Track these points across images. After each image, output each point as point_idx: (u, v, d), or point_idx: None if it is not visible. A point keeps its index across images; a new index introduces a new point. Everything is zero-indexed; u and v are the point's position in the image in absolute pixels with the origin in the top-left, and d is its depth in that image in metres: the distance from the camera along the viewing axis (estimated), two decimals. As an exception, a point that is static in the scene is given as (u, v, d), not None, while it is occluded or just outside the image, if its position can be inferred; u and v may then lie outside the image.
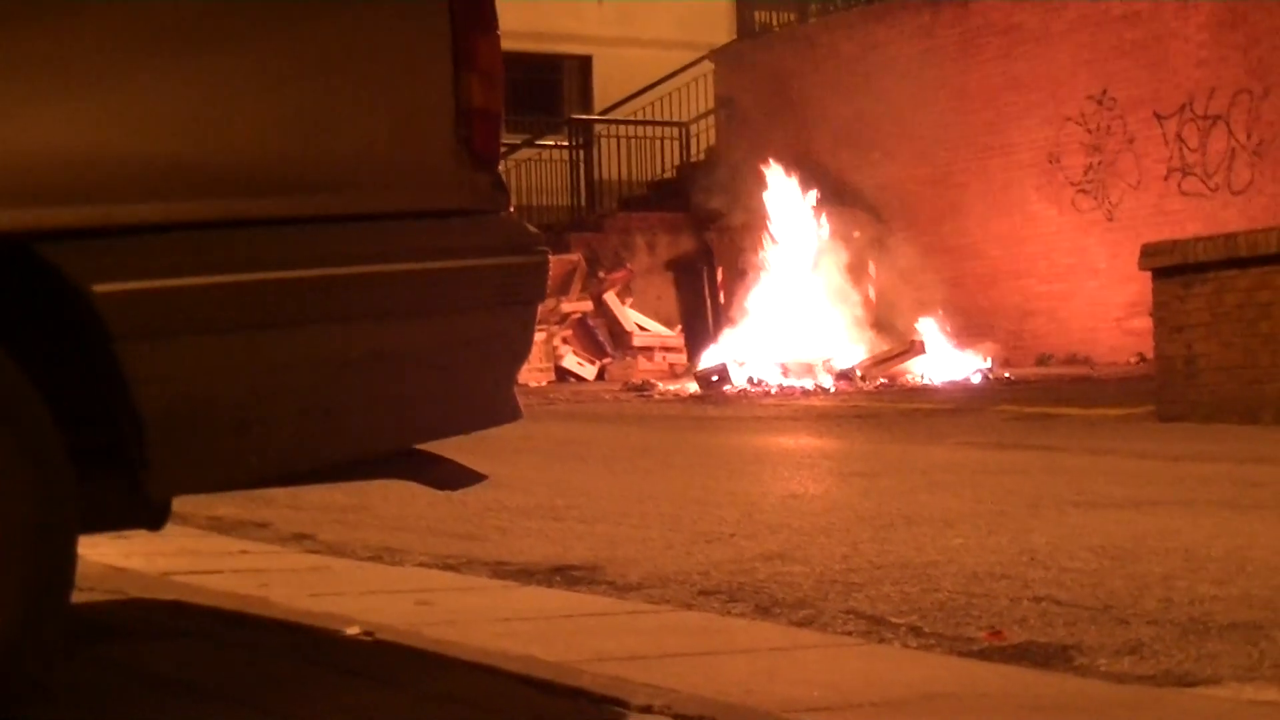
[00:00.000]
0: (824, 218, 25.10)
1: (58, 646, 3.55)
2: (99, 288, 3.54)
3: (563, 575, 6.34)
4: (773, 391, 21.25)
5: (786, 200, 24.69)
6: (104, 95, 3.67)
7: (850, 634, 5.18)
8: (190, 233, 3.73)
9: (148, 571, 6.16)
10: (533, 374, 23.92)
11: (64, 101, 3.61)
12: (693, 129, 30.52)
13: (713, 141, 30.28)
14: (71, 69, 3.64)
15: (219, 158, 3.80)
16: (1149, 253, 14.36)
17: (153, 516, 4.08)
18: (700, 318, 26.91)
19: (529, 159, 29.64)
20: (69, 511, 3.53)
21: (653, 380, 23.17)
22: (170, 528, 4.39)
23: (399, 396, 4.03)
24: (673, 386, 22.24)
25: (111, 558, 6.32)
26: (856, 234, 25.65)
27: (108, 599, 5.52)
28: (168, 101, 3.75)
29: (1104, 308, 23.02)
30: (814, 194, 25.00)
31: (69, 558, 3.54)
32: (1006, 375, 21.66)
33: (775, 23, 30.15)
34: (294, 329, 3.84)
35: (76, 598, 3.65)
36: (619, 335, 26.30)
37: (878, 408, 17.53)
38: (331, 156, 3.98)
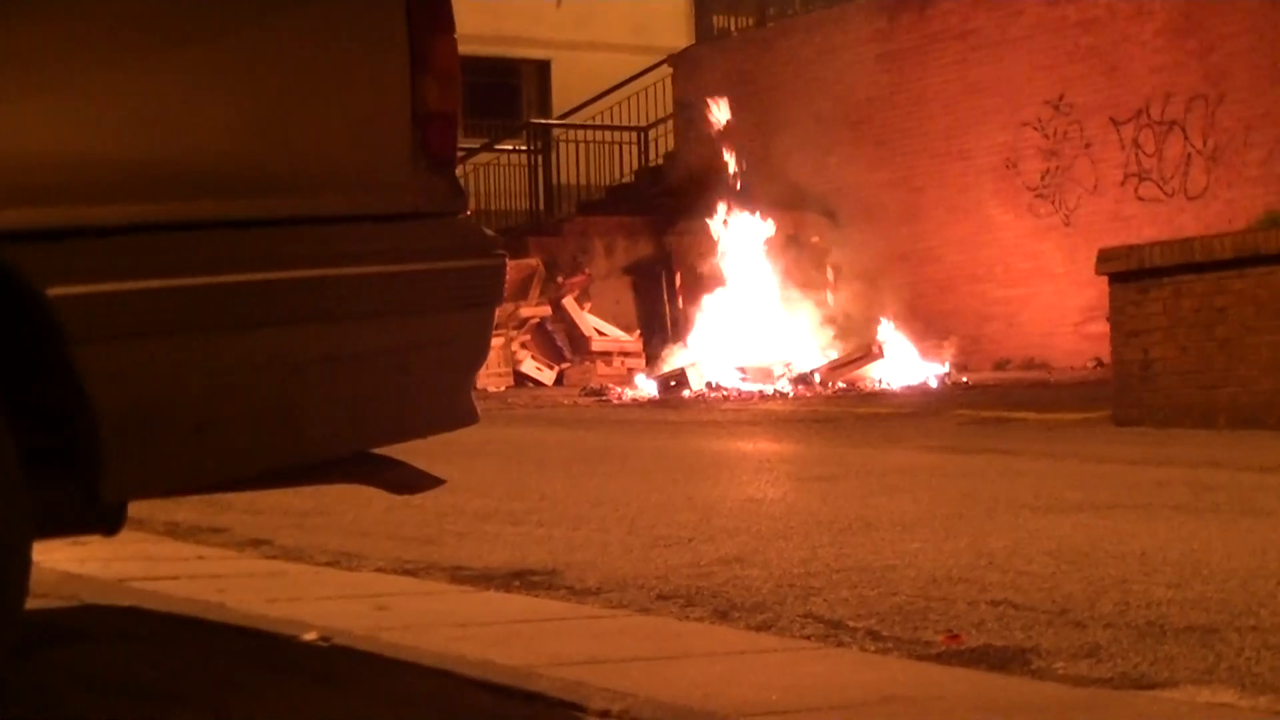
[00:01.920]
0: (782, 222, 25.13)
1: (11, 651, 3.52)
2: (55, 290, 3.53)
3: (521, 580, 6.34)
4: (731, 396, 21.27)
5: (744, 204, 24.72)
6: (59, 97, 3.65)
7: (808, 638, 5.18)
8: (147, 235, 3.71)
9: (103, 577, 6.14)
10: (491, 379, 23.90)
11: (19, 102, 3.60)
12: (651, 133, 30.54)
13: (671, 146, 30.30)
14: (28, 70, 3.62)
15: (176, 160, 3.78)
16: (1105, 258, 14.41)
17: (108, 521, 4.07)
18: (659, 322, 26.93)
19: (487, 163, 29.63)
20: (21, 516, 3.51)
21: (611, 385, 23.17)
22: (127, 533, 4.37)
23: (355, 399, 4.02)
24: (631, 391, 22.24)
25: (67, 563, 6.29)
26: (815, 238, 25.70)
27: (63, 605, 5.49)
28: (123, 103, 3.73)
29: (1061, 312, 23.09)
30: (772, 198, 25.03)
31: (23, 563, 3.52)
32: (964, 380, 21.72)
33: (733, 27, 30.18)
34: (250, 331, 3.82)
35: (31, 604, 3.63)
36: (577, 340, 26.29)
37: (836, 412, 17.55)
38: (288, 159, 3.97)
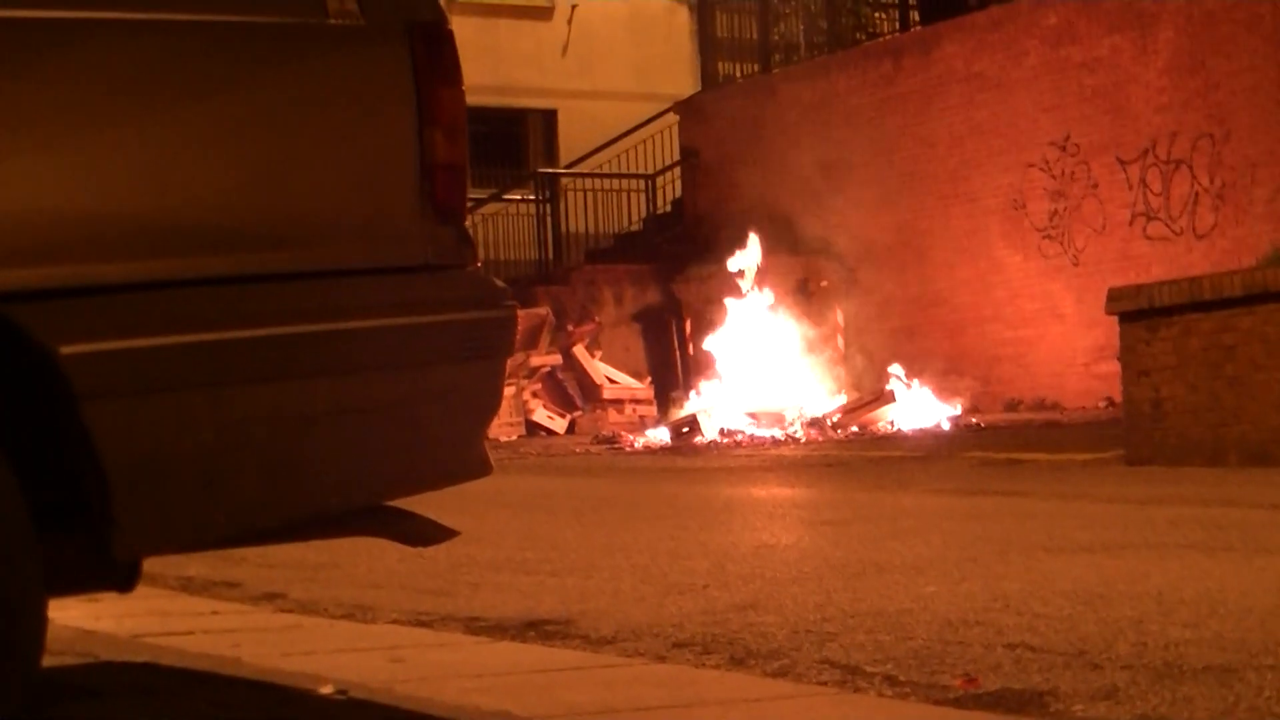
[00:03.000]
0: (790, 267, 25.14)
1: (28, 709, 3.52)
2: (66, 349, 3.54)
3: (536, 629, 6.32)
4: (743, 442, 21.25)
5: (752, 250, 24.74)
6: (66, 155, 3.66)
7: (825, 684, 5.16)
8: (155, 291, 3.72)
9: (118, 633, 6.13)
10: (503, 428, 23.89)
11: (26, 161, 3.61)
12: (658, 181, 30.58)
13: (678, 193, 30.34)
14: (34, 128, 3.63)
15: (184, 216, 3.79)
16: (1114, 297, 14.41)
17: (122, 578, 4.06)
18: (669, 369, 26.92)
19: (495, 213, 29.66)
20: (35, 573, 3.51)
21: (623, 432, 23.16)
22: (140, 589, 4.37)
23: (367, 452, 4.02)
24: (643, 439, 22.22)
25: (81, 620, 6.28)
26: (824, 282, 25.71)
27: (79, 661, 5.49)
28: (129, 160, 3.74)
29: (1071, 352, 23.08)
30: (780, 243, 25.05)
31: (38, 620, 3.52)
32: (975, 421, 21.69)
33: (738, 73, 30.24)
34: (260, 386, 3.83)
35: (46, 661, 3.63)
36: (588, 388, 26.29)
37: (848, 456, 17.53)
38: (295, 212, 3.98)
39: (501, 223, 29.75)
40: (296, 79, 4.01)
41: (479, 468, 4.29)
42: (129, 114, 3.76)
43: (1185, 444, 13.60)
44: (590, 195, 30.04)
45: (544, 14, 35.74)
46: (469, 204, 4.57)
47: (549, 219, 29.84)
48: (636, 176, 30.52)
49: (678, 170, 30.22)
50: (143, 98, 3.78)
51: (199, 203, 3.82)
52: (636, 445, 21.59)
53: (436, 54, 4.19)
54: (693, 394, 23.96)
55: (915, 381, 22.70)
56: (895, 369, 23.09)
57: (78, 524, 3.66)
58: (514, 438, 24.00)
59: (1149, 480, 12.50)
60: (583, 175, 30.35)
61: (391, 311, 4.06)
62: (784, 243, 25.33)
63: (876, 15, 28.92)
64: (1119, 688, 4.86)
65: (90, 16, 3.73)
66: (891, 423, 21.96)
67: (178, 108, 3.82)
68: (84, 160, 3.69)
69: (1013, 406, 23.64)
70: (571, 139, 33.89)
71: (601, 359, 26.85)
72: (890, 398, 22.39)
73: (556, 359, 26.12)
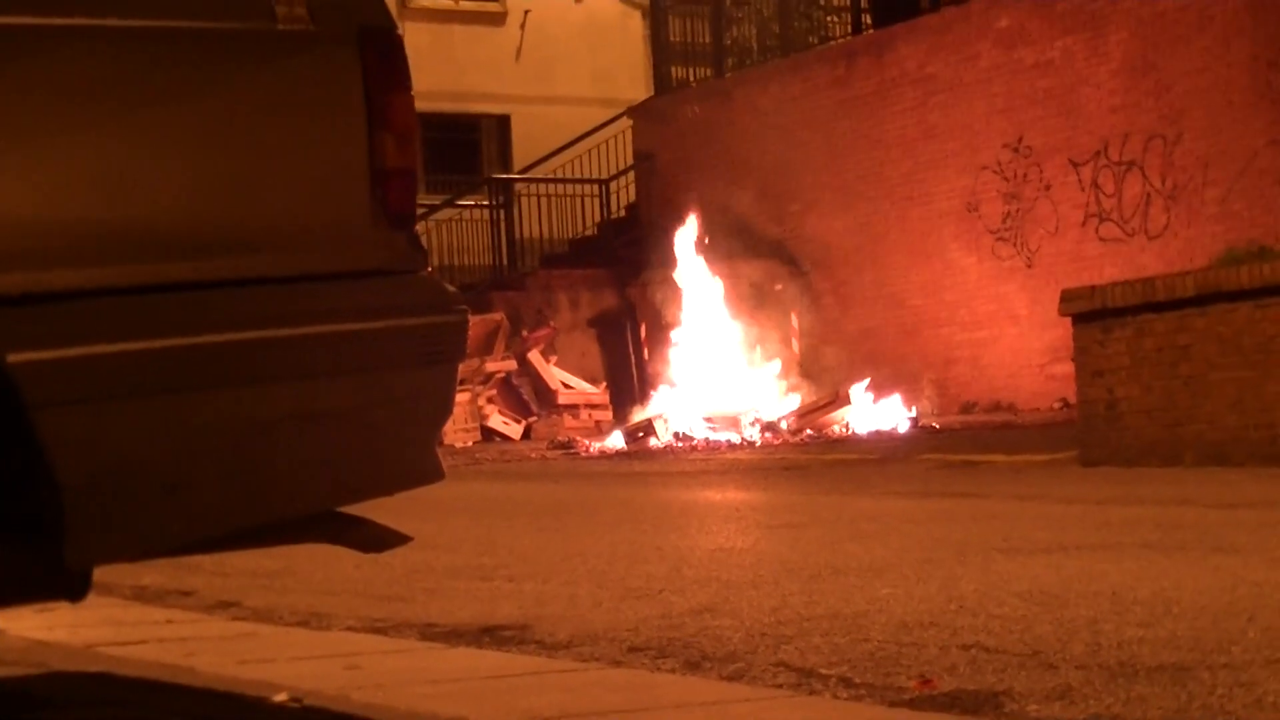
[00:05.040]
0: (745, 270, 25.16)
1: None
2: (14, 357, 3.52)
3: (492, 635, 6.31)
4: (699, 446, 21.25)
5: (707, 254, 24.76)
6: (16, 161, 3.65)
7: (781, 686, 5.16)
8: (107, 298, 3.71)
9: (71, 643, 6.10)
10: (458, 434, 23.86)
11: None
12: (613, 185, 30.59)
13: (633, 198, 30.35)
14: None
15: (136, 223, 3.78)
16: (1068, 298, 14.45)
17: (73, 587, 4.04)
18: (625, 374, 26.93)
19: (449, 219, 29.63)
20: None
21: (579, 437, 23.14)
22: (94, 598, 4.35)
23: (320, 458, 4.01)
24: (599, 443, 22.22)
25: (34, 630, 6.25)
26: (779, 286, 25.74)
27: (31, 672, 5.46)
28: (82, 167, 3.73)
29: (1026, 354, 23.15)
30: (735, 247, 25.07)
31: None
32: (931, 424, 21.74)
33: (692, 78, 30.27)
34: (213, 392, 3.81)
35: (-2, 671, 3.61)
36: (544, 393, 26.27)
37: (804, 459, 17.55)
38: (247, 219, 3.97)
39: (456, 228, 29.73)
40: (245, 85, 4.00)
41: (431, 473, 4.28)
42: (77, 120, 3.75)
43: (1141, 444, 13.65)
44: (545, 200, 30.04)
45: (497, 19, 35.74)
46: (423, 210, 4.57)
47: (504, 224, 29.83)
48: (591, 181, 30.54)
49: (632, 175, 30.24)
50: (90, 103, 3.77)
51: (150, 208, 3.81)
52: (593, 450, 21.58)
53: (386, 59, 4.18)
54: (648, 398, 23.96)
55: (870, 383, 22.74)
56: (850, 371, 23.12)
57: (28, 532, 3.64)
58: (470, 444, 23.97)
59: (1105, 481, 12.53)
60: (537, 180, 30.36)
61: (344, 317, 4.06)
62: (738, 247, 25.36)
63: (829, 19, 28.96)
64: (1073, 687, 4.87)
65: (36, 23, 3.72)
66: (847, 425, 21.99)
67: (126, 113, 3.80)
68: (31, 167, 3.67)
69: (968, 408, 23.71)
70: (526, 144, 33.90)
71: (557, 364, 26.85)
72: (846, 400, 22.42)
73: (512, 365, 26.10)
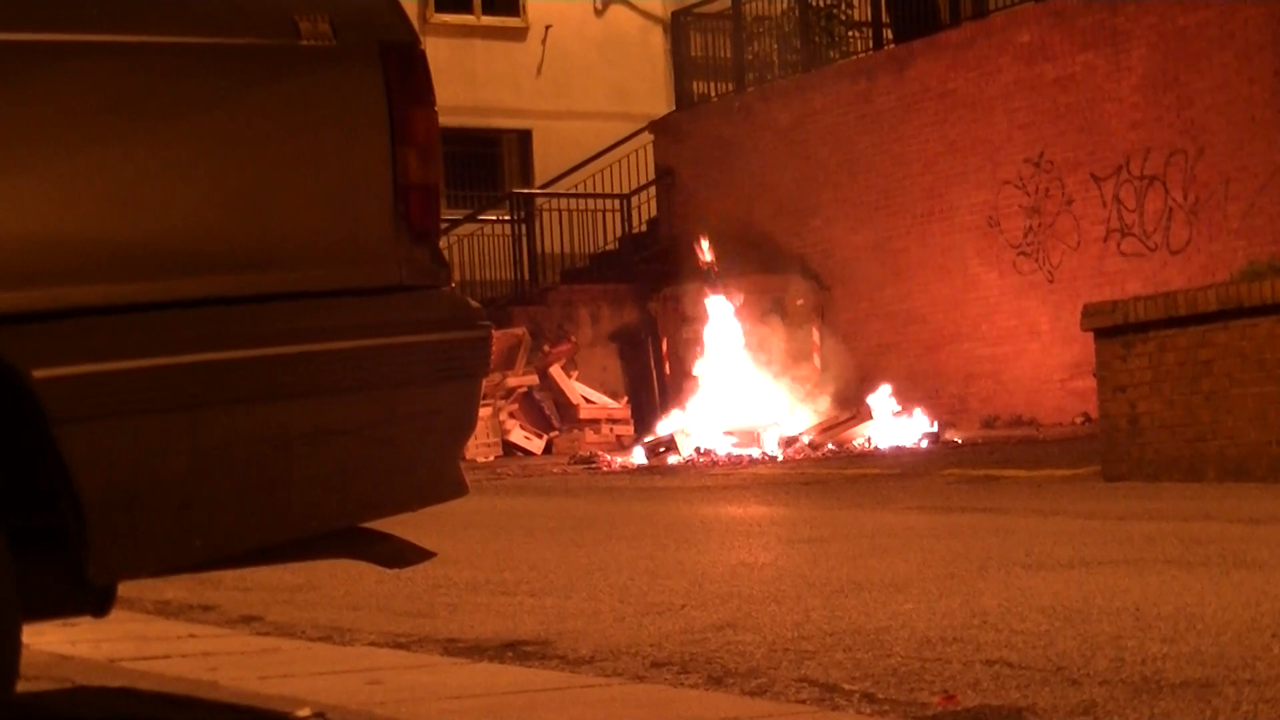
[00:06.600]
0: (767, 285, 25.15)
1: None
2: (38, 372, 3.52)
3: (514, 650, 6.31)
4: (720, 460, 21.24)
5: (728, 269, 24.75)
6: (36, 178, 3.65)
7: (803, 702, 5.15)
8: (129, 314, 3.71)
9: (94, 658, 6.10)
10: (480, 449, 23.87)
11: (1, 185, 3.60)
12: (633, 200, 30.59)
13: (654, 213, 30.35)
14: (10, 152, 3.62)
15: (157, 239, 3.78)
16: (1090, 313, 14.43)
17: (97, 602, 4.05)
18: (646, 388, 26.92)
19: (471, 233, 29.65)
20: (10, 598, 3.49)
21: (600, 452, 23.14)
22: (117, 613, 4.35)
23: (342, 474, 4.01)
24: (620, 458, 22.21)
25: (58, 645, 6.26)
26: (800, 301, 25.73)
27: (55, 687, 5.47)
28: (103, 184, 3.73)
29: (1047, 369, 23.11)
30: (755, 261, 25.06)
31: (13, 645, 3.51)
32: (953, 439, 21.70)
33: (713, 93, 30.26)
34: (234, 408, 3.82)
35: (22, 686, 3.61)
36: (565, 408, 26.27)
37: (825, 474, 17.53)
38: (269, 235, 3.97)
39: (477, 243, 29.74)
40: (269, 101, 4.00)
41: (455, 488, 4.28)
42: (101, 136, 3.75)
43: (1162, 459, 13.62)
44: (566, 215, 30.04)
45: (518, 35, 35.75)
46: (444, 225, 4.58)
47: (525, 239, 29.83)
48: (612, 196, 30.53)
49: (653, 190, 30.24)
50: (115, 120, 3.78)
51: (173, 225, 3.81)
52: (614, 465, 21.57)
53: (409, 75, 4.19)
54: (669, 413, 23.95)
55: (891, 399, 22.71)
56: (872, 386, 23.10)
57: (53, 547, 3.65)
58: (491, 459, 23.98)
59: (1126, 496, 12.51)
60: (558, 195, 30.36)
61: (366, 333, 4.06)
62: (759, 262, 25.35)
63: (850, 34, 28.95)
64: (1097, 703, 4.86)
65: (61, 39, 3.73)
66: (868, 440, 21.97)
67: (150, 130, 3.81)
68: (55, 183, 3.68)
69: (990, 423, 23.66)
70: (546, 159, 33.90)
71: (578, 379, 26.84)
72: (867, 415, 22.40)
73: (533, 379, 26.09)
